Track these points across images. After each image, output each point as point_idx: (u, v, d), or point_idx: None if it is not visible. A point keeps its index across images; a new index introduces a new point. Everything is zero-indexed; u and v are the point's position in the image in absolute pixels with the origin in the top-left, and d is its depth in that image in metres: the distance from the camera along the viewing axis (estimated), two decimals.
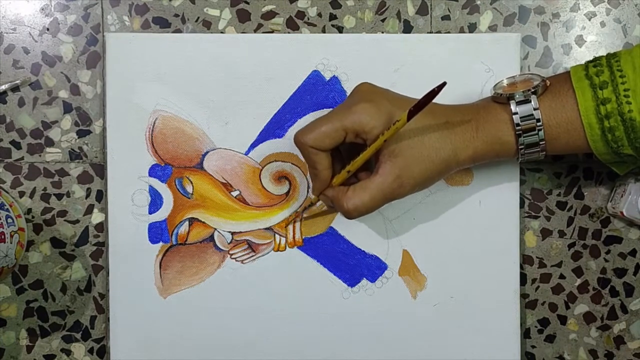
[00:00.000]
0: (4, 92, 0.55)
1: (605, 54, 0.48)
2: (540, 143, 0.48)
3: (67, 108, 0.55)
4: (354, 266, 0.55)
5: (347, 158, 0.50)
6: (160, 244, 0.54)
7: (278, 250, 0.55)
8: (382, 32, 0.55)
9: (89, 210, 0.55)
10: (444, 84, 0.43)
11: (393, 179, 0.47)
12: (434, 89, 0.43)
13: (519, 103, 0.47)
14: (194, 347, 0.55)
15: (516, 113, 0.47)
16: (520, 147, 0.48)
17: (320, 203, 0.54)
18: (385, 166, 0.47)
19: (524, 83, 0.49)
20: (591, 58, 0.49)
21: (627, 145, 0.46)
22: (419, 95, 0.45)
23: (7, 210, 0.50)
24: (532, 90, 0.47)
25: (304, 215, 0.55)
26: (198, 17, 0.55)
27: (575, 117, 0.47)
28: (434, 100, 0.44)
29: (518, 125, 0.47)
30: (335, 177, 0.49)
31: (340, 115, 0.47)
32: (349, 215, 0.48)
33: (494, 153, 0.49)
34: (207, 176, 0.54)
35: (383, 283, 0.55)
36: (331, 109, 0.50)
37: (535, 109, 0.47)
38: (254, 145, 0.55)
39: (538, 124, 0.47)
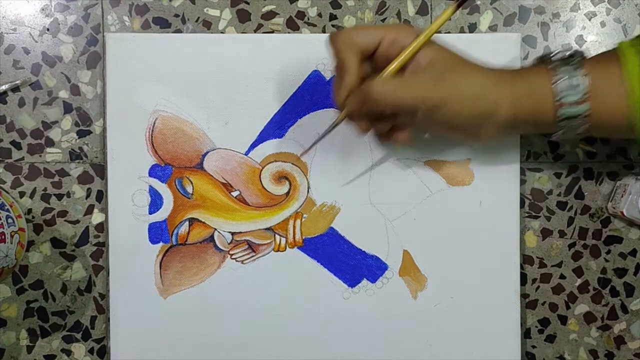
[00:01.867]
0: (5, 93, 0.55)
1: None
2: (584, 116, 0.45)
3: (68, 108, 0.55)
4: (355, 266, 0.55)
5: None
6: (161, 244, 0.54)
7: (278, 250, 0.55)
8: None
9: (89, 211, 0.55)
10: None
11: (430, 77, 0.45)
12: None
13: (563, 70, 0.45)
14: (194, 347, 0.55)
15: (563, 78, 0.45)
16: (559, 110, 0.45)
17: (321, 202, 0.54)
18: (424, 67, 0.45)
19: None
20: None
21: None
22: None
23: (8, 210, 0.50)
24: (574, 56, 0.46)
25: (302, 213, 0.55)
26: (198, 17, 0.55)
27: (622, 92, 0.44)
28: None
29: (562, 92, 0.45)
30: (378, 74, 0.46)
31: (381, 25, 0.48)
32: (370, 96, 0.44)
33: (531, 118, 0.46)
34: (207, 176, 0.54)
35: (383, 283, 0.55)
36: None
37: (584, 75, 0.44)
38: (254, 145, 0.55)
39: (584, 95, 0.44)
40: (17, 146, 0.55)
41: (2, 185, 0.55)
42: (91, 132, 0.55)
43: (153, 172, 0.54)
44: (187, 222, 0.54)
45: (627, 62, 0.44)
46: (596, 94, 0.45)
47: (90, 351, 0.56)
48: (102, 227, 0.55)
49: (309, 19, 0.56)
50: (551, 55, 0.47)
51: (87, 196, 0.55)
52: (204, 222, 0.54)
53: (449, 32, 0.55)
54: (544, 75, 0.46)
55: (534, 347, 0.57)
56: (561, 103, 0.45)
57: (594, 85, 0.44)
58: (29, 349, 0.55)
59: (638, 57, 0.44)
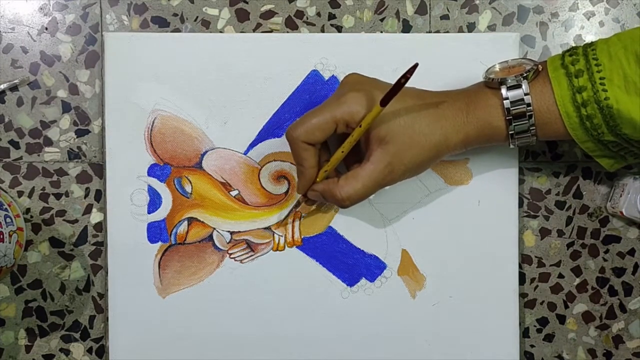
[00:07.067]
0: (3, 92, 0.54)
1: (582, 44, 0.47)
2: (531, 129, 0.47)
3: (66, 107, 0.55)
4: (353, 266, 0.55)
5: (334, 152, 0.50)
6: (159, 243, 0.54)
7: (277, 250, 0.55)
8: (381, 32, 0.55)
9: (88, 210, 0.55)
10: (416, 65, 0.43)
11: (384, 166, 0.47)
12: (405, 73, 0.43)
13: (510, 88, 0.47)
14: (193, 347, 0.55)
15: (507, 98, 0.47)
16: (510, 132, 0.47)
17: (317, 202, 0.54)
18: (376, 153, 0.47)
19: (517, 68, 0.49)
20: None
21: (607, 132, 0.46)
22: None
23: (6, 209, 0.50)
24: (524, 75, 0.47)
25: (301, 212, 0.55)
26: (197, 17, 0.55)
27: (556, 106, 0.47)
28: (426, 88, 0.43)
29: (508, 110, 0.47)
30: (319, 173, 0.50)
31: (330, 106, 0.47)
32: (343, 204, 0.48)
33: (485, 138, 0.48)
34: (206, 176, 0.54)
35: (382, 283, 0.55)
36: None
37: (526, 94, 0.46)
38: (253, 144, 0.54)
39: (528, 109, 0.46)
40: (16, 145, 0.55)
41: (0, 185, 0.55)
42: (90, 132, 0.55)
43: (152, 171, 0.54)
44: (185, 222, 0.54)
45: (559, 86, 0.46)
46: (539, 110, 0.47)
47: (89, 351, 0.56)
48: (100, 227, 0.55)
49: (307, 19, 0.56)
50: (499, 80, 0.48)
51: (86, 195, 0.55)
52: (202, 222, 0.54)
53: (447, 32, 0.55)
54: (492, 96, 0.48)
55: (532, 346, 0.57)
56: (511, 120, 0.47)
57: (536, 104, 0.47)
58: (28, 349, 0.55)
59: (566, 79, 0.46)
